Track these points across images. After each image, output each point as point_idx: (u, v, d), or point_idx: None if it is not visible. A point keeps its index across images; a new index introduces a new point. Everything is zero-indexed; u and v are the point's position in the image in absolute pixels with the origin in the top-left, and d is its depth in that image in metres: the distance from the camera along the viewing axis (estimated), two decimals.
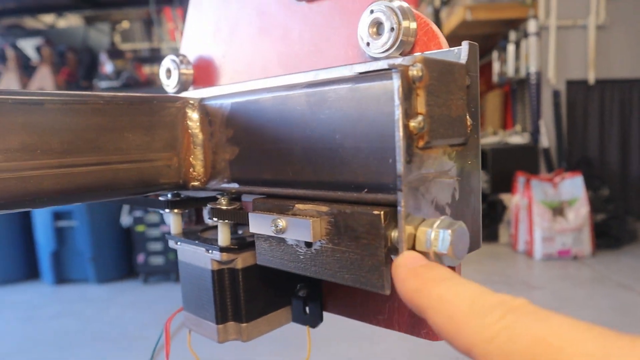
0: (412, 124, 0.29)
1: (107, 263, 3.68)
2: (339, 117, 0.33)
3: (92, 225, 3.58)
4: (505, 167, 4.02)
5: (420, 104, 0.29)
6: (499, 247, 3.99)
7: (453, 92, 0.32)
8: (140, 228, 3.55)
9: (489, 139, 4.47)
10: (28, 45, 4.32)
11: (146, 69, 4.33)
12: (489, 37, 4.91)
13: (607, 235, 3.73)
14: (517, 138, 4.26)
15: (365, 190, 0.32)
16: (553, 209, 3.60)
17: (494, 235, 4.09)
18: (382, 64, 0.35)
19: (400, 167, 0.28)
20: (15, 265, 3.82)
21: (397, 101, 0.28)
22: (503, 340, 0.23)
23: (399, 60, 0.35)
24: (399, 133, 0.28)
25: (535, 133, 4.12)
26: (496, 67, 4.69)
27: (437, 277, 0.27)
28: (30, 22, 5.00)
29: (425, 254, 0.29)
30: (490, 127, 4.93)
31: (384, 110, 0.31)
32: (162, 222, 3.51)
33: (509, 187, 3.97)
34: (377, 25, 0.37)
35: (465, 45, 0.34)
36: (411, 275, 0.28)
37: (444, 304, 0.26)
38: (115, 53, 4.10)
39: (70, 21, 5.17)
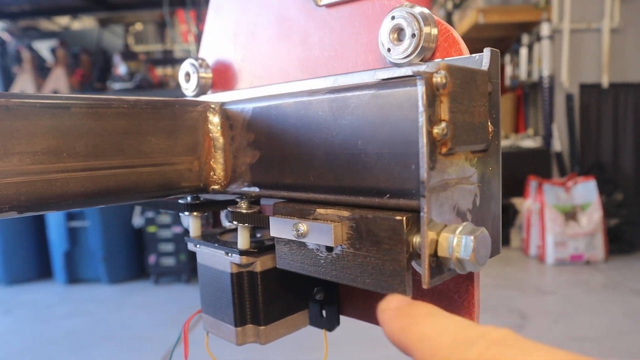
0: (436, 130, 0.29)
1: (118, 263, 3.71)
2: (362, 122, 0.34)
3: (104, 226, 3.61)
4: (517, 171, 4.00)
5: (444, 111, 0.29)
6: (510, 252, 3.97)
7: (475, 99, 0.32)
8: (151, 229, 3.58)
9: (501, 143, 4.44)
10: (43, 47, 4.38)
11: (159, 71, 4.36)
12: (502, 40, 4.89)
13: (620, 240, 3.69)
14: (529, 142, 4.23)
15: (388, 195, 0.32)
16: (565, 214, 3.58)
17: (506, 240, 4.07)
18: (405, 71, 0.36)
19: (423, 173, 0.29)
20: (28, 265, 3.86)
21: (421, 108, 0.28)
22: None
23: (422, 68, 0.35)
24: (423, 139, 0.28)
25: (547, 137, 4.09)
26: (508, 70, 4.67)
27: (420, 314, 0.28)
28: (45, 24, 5.06)
29: (447, 259, 0.30)
30: (502, 131, 4.90)
31: (407, 117, 0.31)
32: (174, 223, 3.53)
33: (520, 191, 3.95)
34: (398, 31, 0.37)
35: (487, 52, 0.34)
36: (395, 315, 0.28)
37: (426, 340, 0.26)
38: (128, 55, 4.13)
39: (85, 23, 5.23)
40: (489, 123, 0.34)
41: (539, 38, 4.04)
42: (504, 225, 4.07)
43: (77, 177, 0.36)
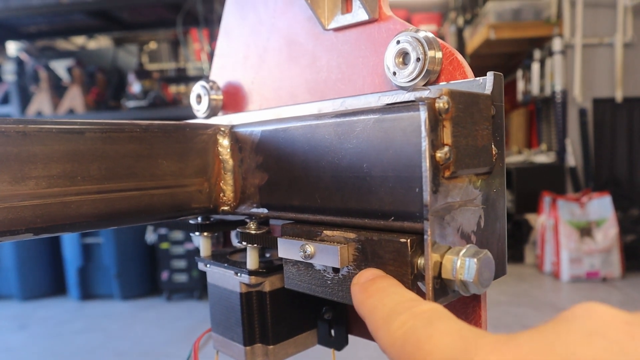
0: (439, 154, 0.29)
1: (131, 280, 3.73)
2: (367, 146, 0.34)
3: (118, 242, 3.64)
4: (530, 187, 3.97)
5: (447, 135, 0.30)
6: (524, 268, 3.92)
7: (478, 123, 0.32)
8: (164, 245, 3.60)
9: (513, 158, 4.43)
10: (60, 66, 4.46)
11: (172, 89, 4.42)
12: (513, 56, 4.89)
13: (637, 256, 3.63)
14: (542, 157, 4.21)
15: (392, 218, 0.33)
16: (580, 230, 3.54)
17: (520, 256, 4.03)
18: (408, 96, 0.36)
19: (426, 196, 0.29)
20: (43, 281, 3.90)
21: (424, 133, 0.29)
22: (399, 345, 0.25)
23: (425, 93, 0.36)
24: (426, 164, 0.29)
25: (561, 152, 4.07)
26: (520, 85, 4.67)
27: (375, 289, 0.30)
28: (62, 44, 5.17)
29: (451, 281, 0.30)
30: (515, 146, 4.88)
31: (411, 141, 0.32)
32: (186, 239, 3.55)
33: (534, 207, 3.92)
34: (404, 55, 0.38)
35: (490, 75, 0.35)
36: (359, 290, 0.31)
37: (372, 312, 0.28)
38: (142, 73, 4.20)
39: (100, 43, 5.33)
40: (493, 146, 0.34)
41: (550, 53, 4.04)
42: (518, 242, 4.03)
43: (91, 200, 0.37)
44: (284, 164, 0.41)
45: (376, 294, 0.29)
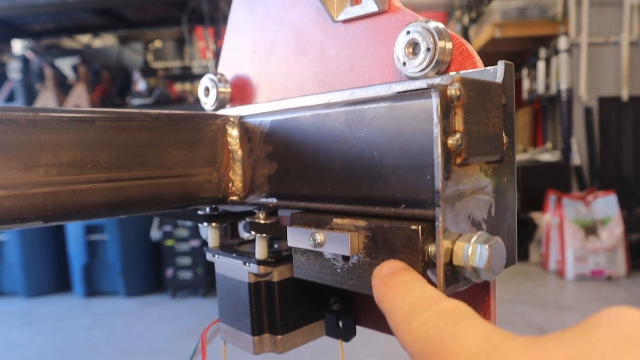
0: (450, 141, 0.29)
1: (136, 276, 3.74)
2: (377, 134, 0.34)
3: (123, 239, 3.65)
4: (535, 185, 3.96)
5: (458, 122, 0.30)
6: (529, 267, 3.91)
7: (490, 111, 0.32)
8: (169, 242, 3.61)
9: (518, 157, 4.42)
10: (65, 65, 4.48)
11: (177, 87, 4.43)
12: (518, 54, 4.88)
13: None
14: (547, 156, 4.19)
15: (403, 205, 0.33)
16: (585, 228, 3.53)
17: (525, 254, 4.02)
18: (420, 84, 0.36)
19: (438, 183, 0.29)
20: (47, 278, 3.91)
21: (435, 119, 0.29)
22: (421, 345, 0.24)
23: (437, 80, 0.36)
24: (438, 150, 0.29)
25: (566, 150, 4.05)
26: (525, 84, 4.66)
27: (396, 282, 0.29)
28: (67, 42, 5.18)
29: (462, 268, 0.30)
30: (520, 145, 4.87)
31: (422, 128, 0.31)
32: (191, 237, 3.56)
33: (539, 206, 3.91)
34: (414, 45, 0.38)
35: (501, 64, 0.35)
36: (379, 282, 0.30)
37: (394, 308, 0.28)
38: (147, 71, 4.21)
39: (105, 41, 5.34)
40: (504, 134, 0.34)
41: (556, 51, 4.03)
42: (523, 240, 4.02)
43: (101, 188, 0.37)
44: (294, 153, 0.41)
45: (397, 287, 0.29)
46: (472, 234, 0.30)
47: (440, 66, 0.37)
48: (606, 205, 3.53)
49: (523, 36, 4.18)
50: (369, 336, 0.52)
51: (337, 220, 0.36)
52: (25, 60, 4.21)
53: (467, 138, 0.30)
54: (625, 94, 3.94)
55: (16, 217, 0.34)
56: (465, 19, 5.16)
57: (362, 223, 0.34)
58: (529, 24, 4.10)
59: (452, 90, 0.29)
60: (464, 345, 0.22)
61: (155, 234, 3.72)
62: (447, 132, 0.29)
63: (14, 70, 4.15)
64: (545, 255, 3.77)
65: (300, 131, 0.40)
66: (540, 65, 4.27)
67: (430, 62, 0.37)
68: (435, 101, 0.29)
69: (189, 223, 3.42)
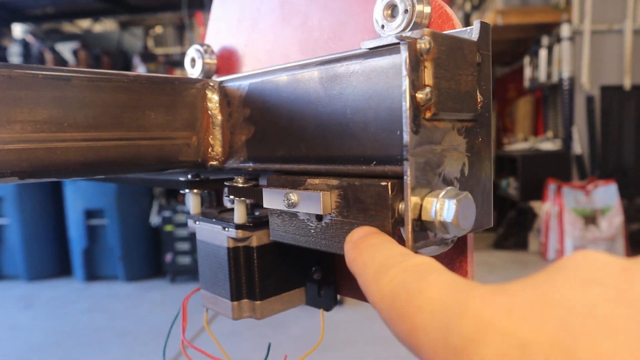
0: (419, 95, 0.29)
1: (136, 261, 3.76)
2: (350, 92, 0.34)
3: (122, 224, 3.66)
4: (535, 174, 3.95)
5: (428, 76, 0.30)
6: (528, 255, 3.92)
7: (462, 68, 0.32)
8: (168, 228, 3.62)
9: (519, 145, 4.40)
10: (65, 49, 4.47)
11: (177, 73, 4.42)
12: (521, 42, 4.84)
13: None
14: (548, 144, 4.18)
15: (374, 162, 0.33)
16: (585, 218, 3.52)
17: (524, 243, 4.02)
18: (390, 39, 0.36)
19: (406, 136, 0.29)
20: (48, 262, 3.94)
21: (404, 72, 0.29)
22: (389, 300, 0.24)
23: (407, 34, 0.36)
24: (406, 104, 0.29)
25: (567, 139, 4.04)
26: (527, 72, 4.63)
27: (366, 245, 0.29)
28: (67, 27, 5.17)
29: (431, 223, 0.30)
30: (521, 133, 4.85)
31: (393, 84, 0.31)
32: None
33: (539, 195, 3.90)
34: (392, 7, 0.38)
35: (476, 23, 0.34)
36: (351, 247, 0.30)
37: (363, 269, 0.27)
38: (148, 57, 4.20)
39: (106, 26, 5.32)
40: (478, 93, 0.34)
41: (558, 39, 3.99)
42: (522, 229, 4.02)
43: (78, 147, 0.37)
44: (270, 116, 0.41)
45: (368, 250, 0.29)
46: (441, 190, 0.30)
47: (418, 29, 0.37)
48: (606, 195, 3.52)
49: (525, 23, 4.15)
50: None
51: (311, 181, 0.36)
52: (25, 44, 4.19)
53: (437, 92, 0.30)
54: (627, 83, 3.91)
55: None
56: (467, 6, 5.12)
57: (334, 182, 0.34)
58: (532, 11, 4.07)
59: (422, 44, 0.29)
60: (430, 296, 0.22)
61: (154, 219, 3.73)
62: (416, 85, 0.29)
63: (14, 54, 4.15)
64: (544, 244, 3.78)
65: (276, 93, 0.40)
66: (543, 53, 4.24)
67: (408, 24, 0.37)
68: (404, 54, 0.29)
69: (187, 209, 3.43)
